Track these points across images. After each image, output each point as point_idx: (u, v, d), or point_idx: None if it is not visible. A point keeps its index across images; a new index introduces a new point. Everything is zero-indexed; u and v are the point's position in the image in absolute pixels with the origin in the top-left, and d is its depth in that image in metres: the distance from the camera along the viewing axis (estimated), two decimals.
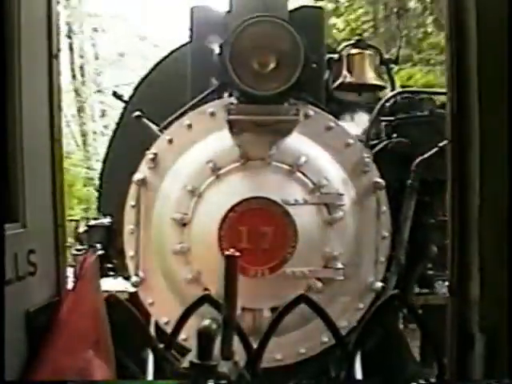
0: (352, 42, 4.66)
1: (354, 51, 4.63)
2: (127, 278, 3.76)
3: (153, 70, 4.91)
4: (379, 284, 3.58)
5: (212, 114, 3.66)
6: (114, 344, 2.64)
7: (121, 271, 4.07)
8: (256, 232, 3.38)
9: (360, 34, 4.91)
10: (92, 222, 4.55)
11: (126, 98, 4.96)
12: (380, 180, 3.61)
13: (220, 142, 3.59)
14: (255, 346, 2.91)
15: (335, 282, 3.52)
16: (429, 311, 3.72)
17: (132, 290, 3.66)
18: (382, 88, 4.75)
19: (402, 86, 6.10)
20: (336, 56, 4.59)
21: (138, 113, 3.88)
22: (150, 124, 3.87)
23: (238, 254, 2.25)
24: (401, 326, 4.07)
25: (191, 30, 4.28)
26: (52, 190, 2.41)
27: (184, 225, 3.52)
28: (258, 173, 3.52)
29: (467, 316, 2.17)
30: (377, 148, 3.87)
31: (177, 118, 3.77)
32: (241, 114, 3.44)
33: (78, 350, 2.34)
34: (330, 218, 3.49)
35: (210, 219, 3.44)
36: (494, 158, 2.12)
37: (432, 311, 3.69)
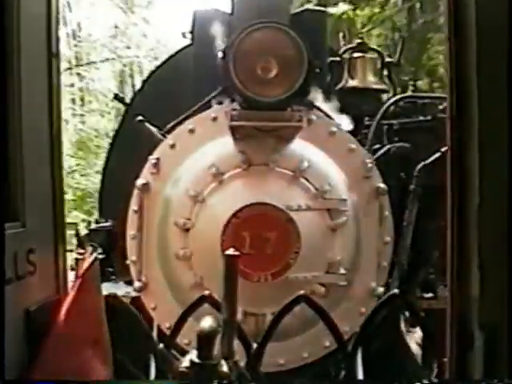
0: (353, 45, 4.65)
1: (355, 55, 4.62)
2: (129, 283, 3.76)
3: (154, 72, 4.90)
4: (382, 289, 3.58)
5: (215, 119, 3.65)
6: (115, 346, 2.64)
7: (122, 275, 4.07)
8: (259, 238, 3.38)
9: (361, 38, 4.87)
10: (93, 226, 4.55)
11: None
12: (382, 185, 3.61)
13: (223, 147, 3.58)
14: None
15: (338, 288, 3.52)
16: (431, 316, 3.72)
17: (134, 294, 3.66)
18: (383, 92, 4.74)
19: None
20: (338, 59, 4.58)
21: (140, 117, 3.87)
22: (153, 128, 3.86)
23: (237, 253, 2.25)
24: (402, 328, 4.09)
25: (193, 32, 4.28)
26: (51, 190, 2.41)
27: (187, 230, 3.52)
28: (261, 178, 3.52)
29: (467, 315, 2.18)
30: (379, 153, 3.86)
31: (179, 123, 3.77)
32: (243, 120, 3.44)
33: (78, 350, 2.34)
34: (333, 223, 3.49)
35: (213, 224, 3.44)
36: (493, 157, 2.12)
37: (435, 316, 3.69)
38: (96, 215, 5.29)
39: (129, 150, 4.15)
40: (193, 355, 2.10)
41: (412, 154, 3.86)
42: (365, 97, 4.54)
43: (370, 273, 3.60)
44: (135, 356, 3.15)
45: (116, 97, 4.92)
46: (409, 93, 4.69)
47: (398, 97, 4.21)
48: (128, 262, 3.67)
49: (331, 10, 10.49)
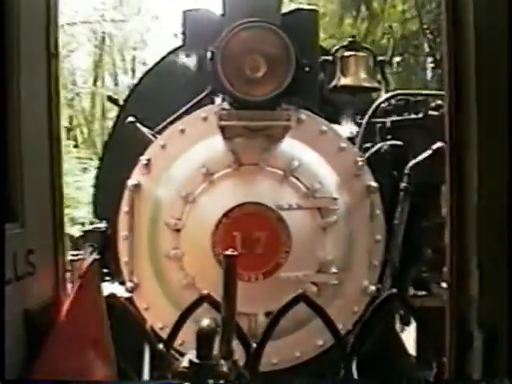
0: (345, 43, 4.64)
1: (347, 53, 4.61)
2: (123, 283, 3.76)
3: (147, 73, 4.90)
4: (374, 287, 3.58)
5: (205, 119, 3.65)
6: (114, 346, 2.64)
7: (117, 276, 4.08)
8: (250, 237, 3.38)
9: (354, 36, 4.86)
10: (88, 227, 4.55)
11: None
12: (373, 183, 3.61)
13: (213, 147, 3.59)
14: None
15: (330, 286, 3.52)
16: (425, 313, 3.71)
17: (127, 295, 3.66)
18: (376, 90, 4.73)
19: None
20: (330, 58, 4.57)
21: (131, 118, 3.87)
22: (144, 129, 3.86)
23: (236, 253, 2.25)
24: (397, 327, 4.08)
25: (184, 33, 4.28)
26: (51, 190, 2.41)
27: (178, 230, 3.52)
28: (251, 178, 3.53)
29: (466, 314, 2.17)
30: (370, 151, 3.86)
31: (170, 123, 3.78)
32: (232, 120, 3.45)
33: (78, 350, 2.34)
34: (324, 222, 3.49)
35: (204, 224, 3.44)
36: (492, 156, 2.12)
37: (428, 313, 3.68)
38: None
39: (122, 151, 4.15)
40: (192, 355, 2.10)
41: (403, 151, 3.84)
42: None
43: (362, 271, 3.60)
44: (133, 355, 3.16)
45: (110, 98, 4.92)
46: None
47: (389, 94, 4.19)
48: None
49: None
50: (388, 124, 3.99)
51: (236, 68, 3.32)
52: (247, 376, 2.48)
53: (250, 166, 3.51)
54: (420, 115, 3.94)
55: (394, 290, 3.19)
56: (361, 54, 4.61)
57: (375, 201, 3.61)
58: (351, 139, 3.87)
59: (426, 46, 12.98)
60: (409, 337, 4.06)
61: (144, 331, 3.08)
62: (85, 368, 2.36)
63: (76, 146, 17.28)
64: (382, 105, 4.10)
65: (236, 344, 2.44)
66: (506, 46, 2.04)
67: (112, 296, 2.98)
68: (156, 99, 4.27)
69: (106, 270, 4.30)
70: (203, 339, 2.08)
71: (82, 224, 9.98)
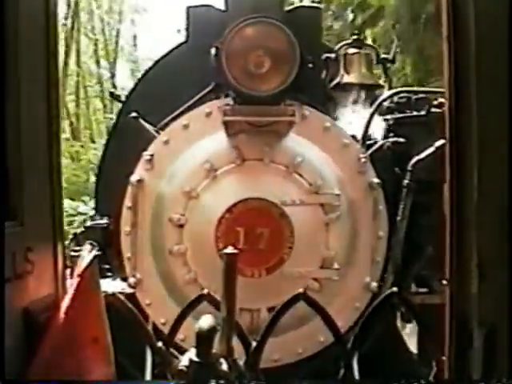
0: (349, 41, 4.64)
1: (350, 50, 4.61)
2: (125, 279, 3.76)
3: (149, 70, 4.89)
4: (376, 284, 3.58)
5: (208, 115, 3.65)
6: (113, 344, 2.64)
7: (118, 272, 4.07)
8: (253, 233, 3.39)
9: (357, 34, 4.87)
10: (89, 223, 4.54)
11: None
12: (376, 180, 3.62)
13: (216, 142, 3.59)
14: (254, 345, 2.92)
15: (332, 283, 3.53)
16: (426, 310, 3.72)
17: (129, 291, 3.66)
18: (379, 87, 4.73)
19: None
20: (333, 55, 4.57)
21: (134, 114, 3.87)
22: (147, 125, 3.86)
23: (236, 251, 2.25)
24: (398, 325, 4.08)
25: (187, 29, 4.28)
26: (50, 188, 2.41)
27: (181, 226, 3.52)
28: (255, 173, 3.53)
29: (466, 313, 2.17)
30: (373, 148, 3.86)
31: (173, 119, 3.77)
32: (236, 115, 3.45)
33: (78, 350, 2.34)
34: (327, 218, 3.50)
35: (207, 220, 3.44)
36: (492, 154, 2.12)
37: (429, 310, 3.69)
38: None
39: (124, 147, 4.15)
40: (192, 354, 2.10)
41: (406, 148, 3.85)
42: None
43: (364, 267, 3.61)
44: (133, 355, 3.16)
45: (111, 94, 4.91)
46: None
47: (392, 91, 4.20)
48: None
49: None
50: (391, 121, 3.99)
51: (240, 64, 3.32)
52: (247, 375, 2.48)
53: (253, 161, 3.51)
54: (423, 112, 3.94)
55: (395, 289, 3.20)
56: (364, 51, 4.61)
57: (378, 197, 3.61)
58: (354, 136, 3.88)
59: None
60: (410, 335, 4.07)
61: (144, 330, 3.08)
62: (83, 366, 2.35)
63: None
64: (385, 102, 4.10)
65: (236, 343, 2.44)
66: (508, 43, 2.04)
67: (112, 295, 2.98)
68: (159, 95, 4.26)
69: (107, 266, 4.30)
70: (203, 338, 2.09)
71: None
